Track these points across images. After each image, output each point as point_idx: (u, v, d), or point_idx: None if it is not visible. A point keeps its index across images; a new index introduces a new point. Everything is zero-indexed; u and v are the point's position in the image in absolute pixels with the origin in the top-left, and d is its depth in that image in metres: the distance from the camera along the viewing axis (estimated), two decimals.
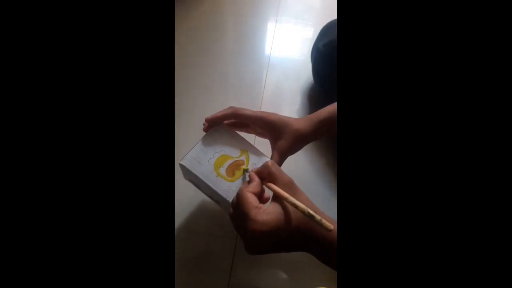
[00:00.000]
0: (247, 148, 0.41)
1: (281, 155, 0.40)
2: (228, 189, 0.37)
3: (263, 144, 0.44)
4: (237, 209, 0.32)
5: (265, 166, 0.34)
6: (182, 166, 0.39)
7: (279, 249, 0.31)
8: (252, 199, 0.31)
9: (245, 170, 0.39)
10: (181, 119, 0.61)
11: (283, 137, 0.40)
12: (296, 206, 0.30)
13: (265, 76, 0.73)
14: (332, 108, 0.42)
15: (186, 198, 0.51)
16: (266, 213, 0.30)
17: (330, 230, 0.28)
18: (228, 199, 0.37)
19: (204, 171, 0.38)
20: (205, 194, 0.44)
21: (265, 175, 0.34)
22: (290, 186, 0.33)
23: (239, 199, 0.32)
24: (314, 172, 0.56)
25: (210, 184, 0.37)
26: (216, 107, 0.64)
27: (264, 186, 0.34)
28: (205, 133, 0.42)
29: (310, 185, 0.54)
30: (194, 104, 0.65)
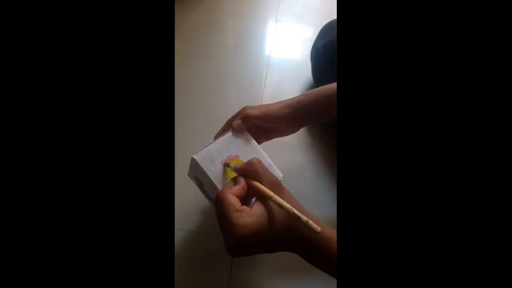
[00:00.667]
0: (261, 157, 0.40)
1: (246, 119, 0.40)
2: None
3: (275, 149, 0.44)
4: (218, 212, 0.30)
5: (250, 163, 0.32)
6: (193, 160, 0.38)
7: (264, 250, 0.30)
8: (233, 201, 0.30)
9: (226, 165, 0.38)
10: (181, 119, 0.61)
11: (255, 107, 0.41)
12: (281, 206, 0.29)
13: (265, 76, 0.73)
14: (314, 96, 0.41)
15: (186, 198, 0.51)
16: (248, 215, 0.29)
17: (318, 233, 0.27)
18: None
19: (215, 171, 0.38)
20: (206, 195, 0.44)
21: (250, 173, 0.32)
22: (276, 185, 0.31)
23: (218, 201, 0.30)
24: (313, 173, 0.56)
25: (218, 186, 0.37)
26: (216, 106, 0.64)
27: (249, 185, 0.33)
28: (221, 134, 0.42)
29: (309, 187, 0.54)
30: (194, 104, 0.65)
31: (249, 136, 0.42)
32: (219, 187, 0.37)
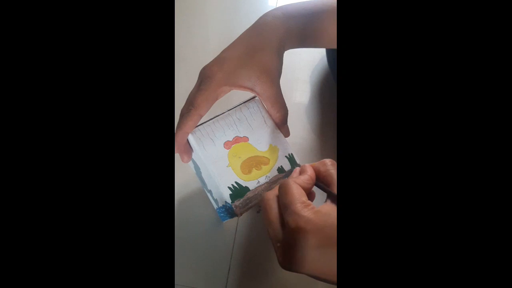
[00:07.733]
0: (279, 144, 0.31)
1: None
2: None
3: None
4: (281, 201, 0.27)
5: (323, 163, 0.29)
6: (188, 140, 0.29)
7: (313, 261, 0.24)
8: (298, 192, 0.26)
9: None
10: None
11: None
12: None
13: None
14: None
15: (186, 198, 0.46)
16: (314, 211, 0.25)
17: None
18: (228, 200, 0.28)
19: (213, 154, 0.28)
20: (204, 185, 0.34)
21: (321, 175, 0.28)
22: None
23: (282, 189, 0.27)
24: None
25: (215, 172, 0.28)
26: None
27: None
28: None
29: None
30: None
31: (266, 114, 0.31)
32: (215, 175, 0.28)
